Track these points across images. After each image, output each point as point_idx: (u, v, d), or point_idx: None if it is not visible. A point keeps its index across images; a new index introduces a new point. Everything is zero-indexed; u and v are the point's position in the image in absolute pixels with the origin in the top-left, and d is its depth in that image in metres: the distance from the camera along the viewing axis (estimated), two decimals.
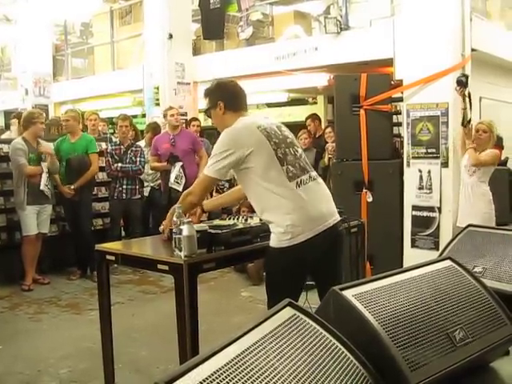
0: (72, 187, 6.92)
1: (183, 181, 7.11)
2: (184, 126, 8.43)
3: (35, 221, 6.63)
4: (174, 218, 3.31)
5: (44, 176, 6.59)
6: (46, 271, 7.03)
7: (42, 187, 6.57)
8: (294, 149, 3.23)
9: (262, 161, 3.07)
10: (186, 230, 3.15)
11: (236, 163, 3.09)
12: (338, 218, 3.29)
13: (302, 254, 3.08)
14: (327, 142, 7.47)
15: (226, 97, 3.29)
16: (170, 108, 7.69)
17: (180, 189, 7.08)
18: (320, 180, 3.32)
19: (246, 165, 3.08)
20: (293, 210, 3.06)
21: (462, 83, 5.80)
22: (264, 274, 6.75)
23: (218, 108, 3.29)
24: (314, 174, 3.27)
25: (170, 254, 3.27)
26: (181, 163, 7.12)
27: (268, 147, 3.09)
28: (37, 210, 6.62)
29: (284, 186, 3.07)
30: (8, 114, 13.48)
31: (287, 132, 3.30)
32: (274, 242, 3.12)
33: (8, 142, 7.00)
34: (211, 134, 10.88)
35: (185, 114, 9.37)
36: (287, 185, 3.08)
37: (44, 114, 7.64)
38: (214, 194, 8.71)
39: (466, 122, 5.92)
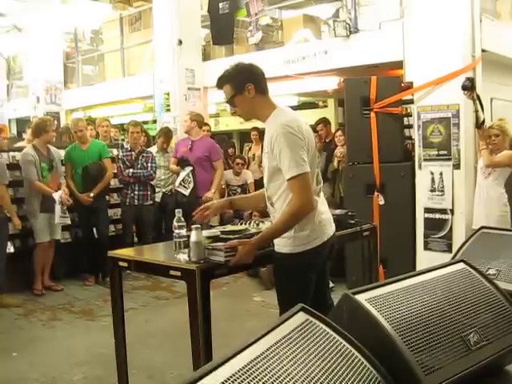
0: (91, 194, 6.96)
1: (191, 185, 7.14)
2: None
3: (48, 228, 6.67)
4: (174, 223, 3.34)
5: (57, 208, 6.56)
6: (60, 278, 7.07)
7: (57, 221, 6.59)
8: (317, 155, 3.20)
9: (310, 158, 2.94)
10: (193, 235, 3.16)
11: (307, 150, 2.89)
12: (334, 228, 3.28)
13: (313, 260, 3.09)
14: (337, 146, 7.46)
15: (255, 78, 3.03)
16: (188, 113, 7.77)
17: (186, 193, 7.12)
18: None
19: None
20: (316, 214, 3.05)
21: (468, 88, 5.77)
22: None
23: (246, 92, 3.01)
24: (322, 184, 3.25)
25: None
26: (191, 168, 7.16)
27: (313, 147, 3.02)
28: (49, 217, 6.65)
29: (315, 188, 3.04)
30: (20, 122, 13.57)
31: (314, 138, 3.17)
32: (287, 247, 3.07)
33: (20, 150, 7.03)
34: (221, 139, 10.91)
35: None
36: (315, 189, 3.05)
37: (55, 122, 7.70)
38: (225, 197, 8.73)
39: (479, 124, 5.89)
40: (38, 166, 6.60)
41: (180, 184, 7.14)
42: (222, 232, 3.52)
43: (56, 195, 6.57)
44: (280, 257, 3.13)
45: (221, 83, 3.12)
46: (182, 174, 7.16)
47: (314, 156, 3.04)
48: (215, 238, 3.33)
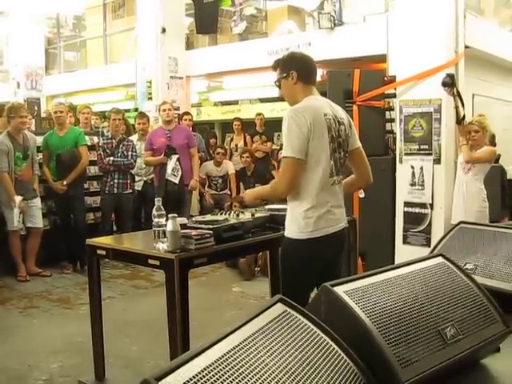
0: (64, 182, 6.89)
1: (179, 173, 7.11)
2: (176, 120, 8.41)
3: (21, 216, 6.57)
4: (154, 211, 3.34)
5: (16, 212, 6.41)
6: (38, 265, 7.00)
7: (15, 224, 6.44)
8: (340, 149, 3.21)
9: (319, 145, 3.06)
10: (169, 225, 3.15)
11: (307, 136, 3.02)
12: (347, 222, 3.34)
13: (318, 249, 3.11)
14: None
15: (300, 67, 3.26)
16: (164, 103, 7.72)
17: (176, 181, 7.08)
18: (342, 185, 3.32)
19: (309, 143, 3.05)
20: (324, 203, 3.10)
21: (448, 84, 5.81)
22: (256, 268, 6.82)
23: (290, 77, 3.25)
24: (341, 177, 3.28)
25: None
26: (177, 156, 7.13)
27: (326, 138, 3.09)
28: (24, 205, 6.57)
29: (325, 179, 3.10)
30: None
31: (343, 131, 3.22)
32: (294, 232, 3.13)
33: None
34: (203, 129, 10.87)
35: (177, 109, 9.35)
36: (328, 179, 3.11)
37: (26, 106, 7.56)
38: (206, 188, 8.73)
39: (459, 120, 5.93)
40: (11, 155, 6.48)
41: (171, 173, 7.10)
42: (202, 222, 3.51)
43: (17, 199, 6.41)
44: (285, 241, 3.19)
45: (274, 65, 3.37)
46: (171, 163, 7.11)
47: (322, 145, 3.07)
48: (183, 226, 3.34)
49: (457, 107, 5.89)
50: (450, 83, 5.80)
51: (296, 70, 3.23)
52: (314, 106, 3.14)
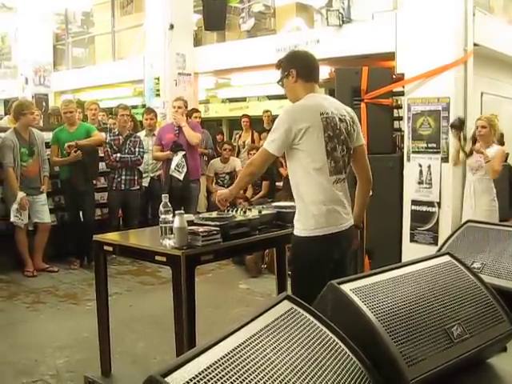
0: (74, 143, 6.85)
1: (184, 170, 7.11)
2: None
3: (27, 211, 6.58)
4: (161, 208, 3.34)
5: (14, 207, 6.39)
6: (46, 261, 7.03)
7: (12, 219, 6.43)
8: (343, 147, 3.20)
9: (312, 145, 3.08)
10: (176, 221, 3.15)
11: (291, 139, 3.07)
12: (353, 221, 3.33)
13: (324, 247, 3.11)
14: None
15: (299, 65, 3.29)
16: (177, 99, 7.64)
17: (181, 177, 7.09)
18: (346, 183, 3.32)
19: (297, 144, 3.08)
20: (326, 201, 3.11)
21: (457, 127, 5.80)
22: (263, 265, 6.82)
23: (290, 76, 3.29)
24: (345, 175, 3.27)
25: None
26: (183, 152, 7.14)
27: (321, 137, 3.09)
28: (29, 201, 6.57)
29: (325, 178, 3.11)
30: (7, 103, 13.49)
31: (344, 128, 3.21)
32: (299, 230, 3.15)
33: (3, 130, 6.92)
34: (211, 126, 10.86)
35: None
36: (328, 178, 3.12)
37: (34, 104, 7.60)
38: (213, 185, 8.72)
39: (459, 124, 5.92)
40: (17, 151, 6.50)
41: (175, 169, 7.11)
42: (209, 219, 3.51)
43: (19, 195, 6.40)
44: (293, 239, 3.21)
45: (277, 65, 3.43)
46: (176, 159, 7.11)
47: (317, 145, 3.08)
48: (190, 223, 3.34)
49: (458, 152, 5.89)
50: (458, 126, 5.80)
51: (296, 68, 3.26)
52: (310, 106, 3.16)
